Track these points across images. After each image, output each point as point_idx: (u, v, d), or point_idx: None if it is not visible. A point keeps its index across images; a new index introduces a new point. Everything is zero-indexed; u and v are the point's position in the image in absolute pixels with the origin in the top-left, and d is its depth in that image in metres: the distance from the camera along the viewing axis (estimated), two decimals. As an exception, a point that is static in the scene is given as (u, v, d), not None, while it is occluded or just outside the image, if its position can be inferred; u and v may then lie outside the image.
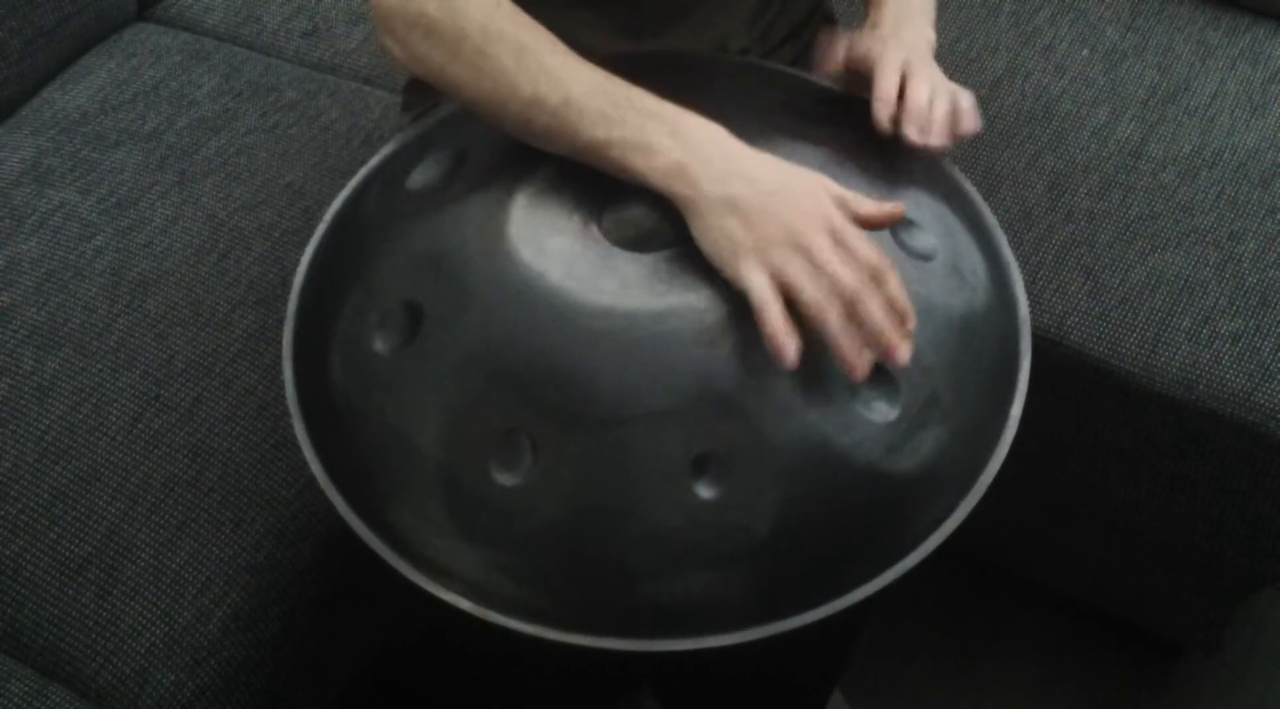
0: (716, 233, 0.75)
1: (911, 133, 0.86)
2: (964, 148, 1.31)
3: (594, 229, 0.80)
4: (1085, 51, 1.39)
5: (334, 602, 1.14)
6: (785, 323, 0.72)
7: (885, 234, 0.82)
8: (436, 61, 0.85)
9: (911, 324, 0.74)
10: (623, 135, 0.78)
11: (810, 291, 0.72)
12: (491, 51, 0.82)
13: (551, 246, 0.79)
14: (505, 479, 0.74)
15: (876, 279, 0.74)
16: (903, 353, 0.73)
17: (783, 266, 0.73)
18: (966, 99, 0.89)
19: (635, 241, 0.80)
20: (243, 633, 1.05)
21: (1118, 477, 1.28)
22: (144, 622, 1.03)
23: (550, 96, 0.80)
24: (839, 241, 0.74)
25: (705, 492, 0.73)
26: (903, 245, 0.82)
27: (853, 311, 0.73)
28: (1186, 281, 1.20)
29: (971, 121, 0.89)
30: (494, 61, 0.81)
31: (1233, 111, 1.33)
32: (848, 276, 0.73)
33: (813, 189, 0.77)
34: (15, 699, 1.00)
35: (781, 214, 0.74)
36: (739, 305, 0.75)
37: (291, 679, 1.11)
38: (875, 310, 0.73)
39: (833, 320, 0.72)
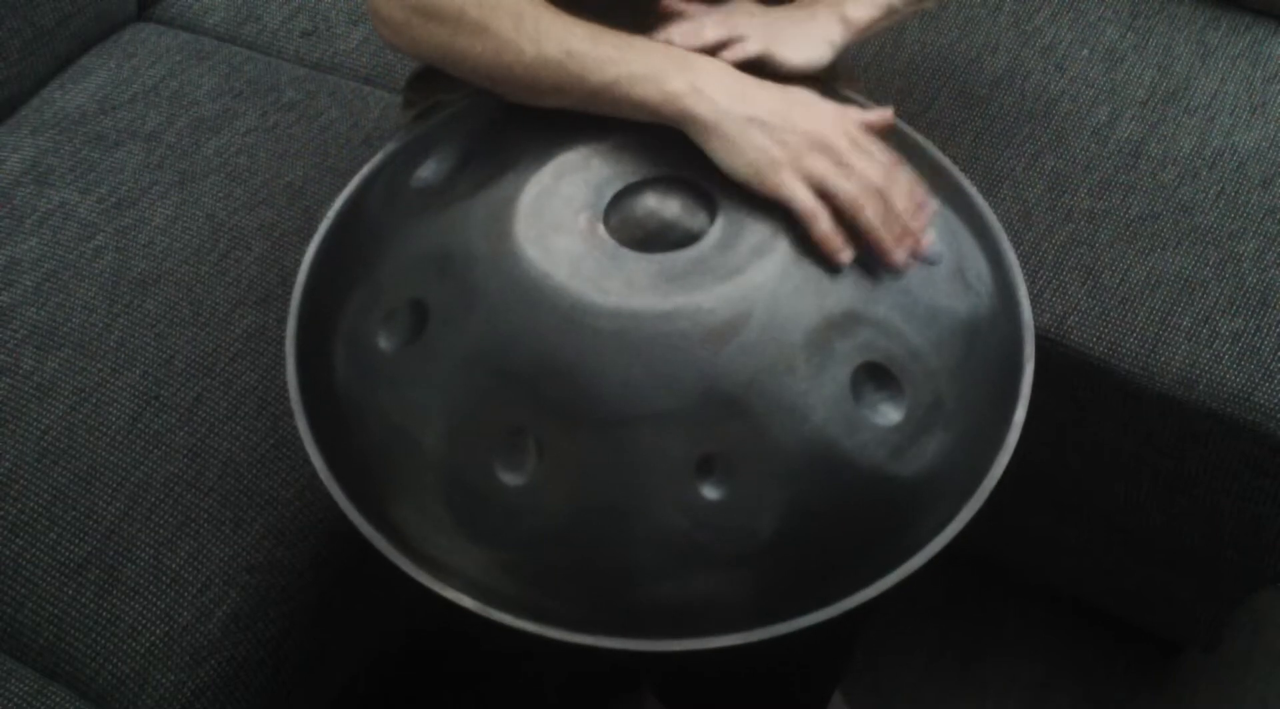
0: (747, 149, 0.79)
1: None
2: (964, 148, 1.31)
3: (600, 228, 0.80)
4: (1085, 51, 1.39)
5: (334, 602, 1.14)
6: (835, 227, 0.78)
7: None
8: (439, 40, 0.87)
9: (929, 210, 0.81)
10: (630, 71, 0.81)
11: (846, 189, 0.78)
12: (491, 22, 0.85)
13: (558, 246, 0.79)
14: (509, 478, 0.74)
15: (892, 173, 0.81)
16: (928, 238, 0.81)
17: (813, 170, 0.78)
18: (753, 46, 0.87)
19: (642, 241, 0.80)
20: (243, 633, 1.05)
21: (1118, 476, 1.27)
22: (144, 622, 1.03)
23: (553, 53, 0.83)
24: (854, 143, 0.80)
25: (710, 492, 0.73)
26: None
27: (883, 202, 0.79)
28: (1186, 281, 1.20)
29: (732, 52, 0.86)
30: (494, 31, 0.85)
31: (1233, 111, 1.33)
32: (873, 171, 0.79)
33: (820, 101, 0.83)
34: (15, 699, 0.99)
35: (802, 123, 0.80)
36: (744, 305, 0.75)
37: (291, 679, 1.10)
38: (901, 199, 0.80)
39: (869, 212, 0.78)
